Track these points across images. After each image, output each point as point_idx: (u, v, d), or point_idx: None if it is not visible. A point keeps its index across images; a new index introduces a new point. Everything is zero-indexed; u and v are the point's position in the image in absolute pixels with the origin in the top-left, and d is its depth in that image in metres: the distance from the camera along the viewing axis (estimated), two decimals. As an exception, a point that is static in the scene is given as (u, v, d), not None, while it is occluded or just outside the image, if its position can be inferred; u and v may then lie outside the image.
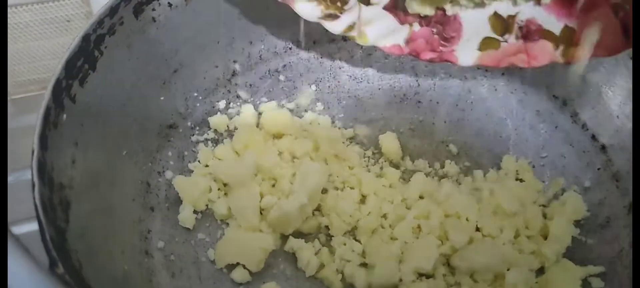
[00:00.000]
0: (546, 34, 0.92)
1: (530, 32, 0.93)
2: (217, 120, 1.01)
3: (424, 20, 0.94)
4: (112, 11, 0.86)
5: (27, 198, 0.81)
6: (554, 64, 1.01)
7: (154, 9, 0.93)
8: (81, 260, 0.69)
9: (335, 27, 0.95)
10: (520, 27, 0.93)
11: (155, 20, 0.93)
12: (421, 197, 0.92)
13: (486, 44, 0.95)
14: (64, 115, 0.77)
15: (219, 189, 0.93)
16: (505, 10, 0.93)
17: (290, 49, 1.10)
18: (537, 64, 0.94)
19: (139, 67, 0.92)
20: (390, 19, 0.96)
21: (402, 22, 0.95)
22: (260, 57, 1.08)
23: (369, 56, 1.12)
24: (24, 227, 0.96)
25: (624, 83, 0.95)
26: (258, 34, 1.07)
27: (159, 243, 0.88)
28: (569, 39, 0.91)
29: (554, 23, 0.92)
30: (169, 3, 0.94)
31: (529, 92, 1.06)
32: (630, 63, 0.94)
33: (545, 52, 0.93)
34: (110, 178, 0.85)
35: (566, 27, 0.91)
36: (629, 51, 0.93)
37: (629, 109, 0.94)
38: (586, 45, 0.89)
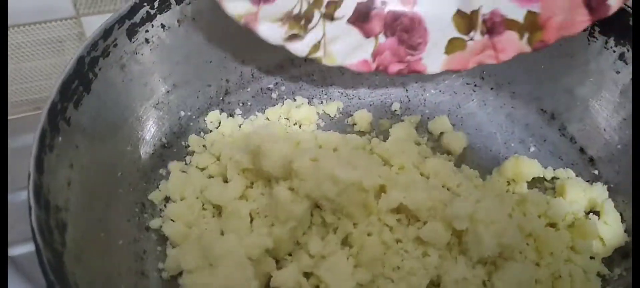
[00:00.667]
0: (510, 24, 0.92)
1: (495, 25, 0.93)
2: (211, 138, 1.01)
3: (389, 28, 0.95)
4: (106, 33, 0.87)
5: (22, 220, 0.82)
6: (540, 79, 1.04)
7: (147, 31, 0.94)
8: (78, 283, 0.70)
9: (300, 49, 0.95)
10: (485, 21, 0.93)
11: (149, 41, 0.94)
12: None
13: (453, 45, 0.95)
14: (60, 138, 0.77)
15: (212, 215, 0.93)
16: (467, 6, 0.94)
17: (281, 67, 1.11)
18: (505, 58, 0.94)
19: (132, 88, 0.93)
20: (355, 33, 0.96)
21: (367, 35, 0.96)
22: (252, 75, 1.10)
23: (360, 73, 1.14)
24: (20, 249, 0.97)
25: (611, 96, 0.97)
26: (250, 53, 1.09)
27: (158, 263, 0.88)
28: (533, 24, 0.91)
29: (517, 10, 0.92)
30: (162, 24, 0.95)
31: (517, 106, 1.07)
32: (616, 76, 0.96)
33: (511, 44, 0.93)
34: (106, 199, 0.85)
35: (529, 12, 0.91)
36: (614, 63, 0.95)
37: (616, 121, 0.96)
38: (551, 26, 0.88)
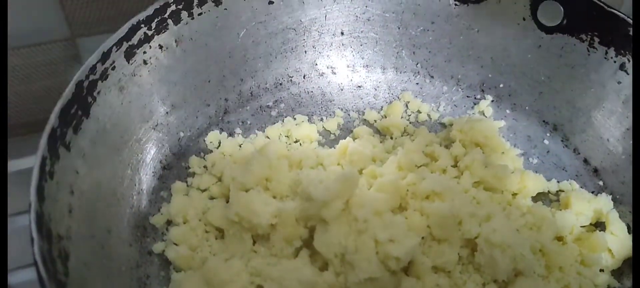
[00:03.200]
0: None
1: None
2: (211, 159, 1.00)
3: None
4: (104, 56, 0.86)
5: (19, 246, 0.80)
6: (541, 91, 1.04)
7: (145, 52, 0.93)
8: (80, 312, 0.68)
9: None
10: None
11: (147, 62, 0.93)
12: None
13: None
14: (60, 164, 0.76)
15: (215, 237, 0.92)
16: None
17: (281, 84, 1.11)
18: None
19: (131, 110, 0.92)
20: None
21: None
22: (251, 93, 1.09)
23: (359, 88, 1.13)
24: (18, 276, 0.95)
25: (613, 107, 0.97)
26: (248, 71, 1.08)
27: (160, 288, 0.87)
28: None
29: None
30: (159, 45, 0.94)
31: (519, 118, 1.07)
32: (617, 86, 0.96)
33: None
34: (107, 224, 0.84)
35: None
36: (615, 73, 0.95)
37: (619, 132, 0.96)
38: None
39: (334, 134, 1.08)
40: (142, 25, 0.91)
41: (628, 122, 0.94)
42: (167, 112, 0.98)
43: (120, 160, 0.89)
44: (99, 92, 0.85)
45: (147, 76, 0.94)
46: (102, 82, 0.86)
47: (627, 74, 0.94)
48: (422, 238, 0.86)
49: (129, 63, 0.90)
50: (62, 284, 0.67)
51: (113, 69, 0.88)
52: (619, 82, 0.95)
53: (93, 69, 0.84)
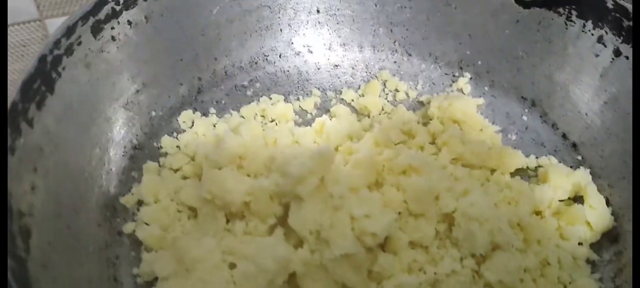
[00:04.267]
0: None
1: None
2: (184, 139, 0.98)
3: None
4: (69, 31, 0.83)
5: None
6: (519, 66, 1.03)
7: (113, 28, 0.90)
8: (43, 289, 0.66)
9: None
10: None
11: (115, 39, 0.91)
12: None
13: None
14: (22, 140, 0.73)
15: (188, 217, 0.90)
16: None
17: (256, 63, 1.08)
18: None
19: (99, 87, 0.89)
20: None
21: None
22: (225, 72, 1.06)
23: (336, 67, 1.11)
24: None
25: (591, 80, 0.95)
26: (222, 50, 1.05)
27: (132, 269, 0.84)
28: None
29: None
30: (128, 21, 0.92)
31: (497, 95, 1.06)
32: (595, 60, 0.95)
33: None
34: (74, 204, 0.81)
35: None
36: (593, 46, 0.94)
37: (597, 105, 0.95)
38: None
39: (311, 113, 1.06)
40: (110, 0, 0.89)
41: (606, 96, 0.93)
42: (137, 91, 0.95)
43: (88, 139, 0.87)
44: (64, 68, 0.82)
45: (115, 53, 0.91)
46: (67, 57, 0.83)
47: (605, 46, 0.93)
48: (399, 213, 0.84)
49: (95, 39, 0.87)
50: (22, 260, 0.64)
51: (79, 44, 0.85)
52: (597, 55, 0.94)
53: (57, 43, 0.81)
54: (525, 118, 1.03)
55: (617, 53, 0.91)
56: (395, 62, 1.11)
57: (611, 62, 0.92)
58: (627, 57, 0.90)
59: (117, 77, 0.92)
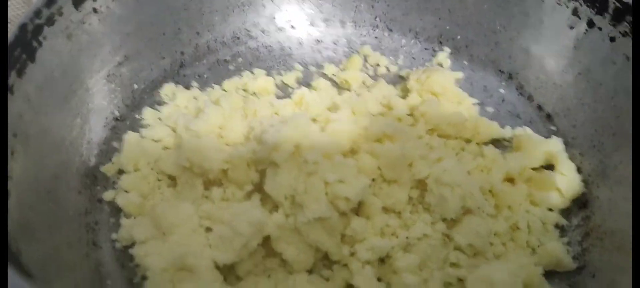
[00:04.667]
0: None
1: None
2: (166, 111, 0.99)
3: None
4: (50, 1, 0.85)
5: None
6: (497, 40, 1.04)
7: (95, 0, 0.91)
8: (22, 251, 0.67)
9: None
10: None
11: (97, 11, 0.92)
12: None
13: None
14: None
15: (167, 185, 0.91)
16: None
17: (238, 38, 1.10)
18: None
19: (81, 58, 0.91)
20: None
21: None
22: (208, 47, 1.08)
23: (319, 43, 1.13)
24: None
25: (566, 52, 0.97)
26: (205, 25, 1.07)
27: (112, 234, 0.86)
28: None
29: None
30: (110, -6, 0.93)
31: (475, 68, 1.07)
32: (569, 31, 0.96)
33: None
34: (54, 170, 0.83)
35: None
36: (568, 18, 0.95)
37: (571, 76, 0.96)
38: None
39: (292, 87, 1.08)
40: (91, -27, 0.90)
41: (579, 67, 0.95)
42: (119, 63, 0.97)
43: (69, 109, 0.88)
44: (45, 38, 0.84)
45: (97, 25, 0.93)
46: (48, 27, 0.84)
47: (579, 18, 0.94)
48: (373, 180, 0.86)
49: (77, 10, 0.89)
50: (-2, 217, 0.66)
51: (60, 14, 0.86)
52: (571, 27, 0.95)
53: (38, 12, 0.83)
54: (502, 91, 1.04)
55: (590, 24, 0.93)
56: (376, 37, 1.13)
57: (585, 33, 0.93)
58: (600, 28, 0.91)
59: (99, 49, 0.93)
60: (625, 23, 0.87)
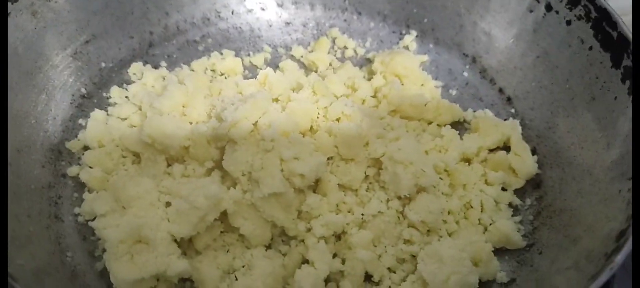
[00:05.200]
0: None
1: None
2: (133, 90, 1.01)
3: None
4: (13, -22, 0.86)
5: None
6: (462, 23, 1.06)
7: (60, -23, 0.93)
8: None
9: None
10: None
11: (63, -11, 0.94)
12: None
13: None
14: (-39, 79, 0.76)
15: (132, 162, 0.93)
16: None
17: (208, 19, 1.11)
18: None
19: (47, 35, 0.92)
20: None
21: None
22: (177, 28, 1.09)
23: (288, 25, 1.14)
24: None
25: (525, 35, 0.98)
26: (174, 5, 1.08)
27: (74, 209, 0.88)
28: None
29: None
30: (76, -29, 0.95)
31: (441, 52, 1.09)
32: (529, 15, 0.97)
33: None
34: (17, 144, 0.85)
35: None
36: (528, 2, 0.97)
37: (530, 60, 0.98)
38: None
39: (261, 69, 1.09)
40: (57, -51, 0.92)
41: (538, 50, 0.96)
42: (86, 41, 0.98)
43: (33, 85, 0.90)
44: (9, 14, 0.85)
45: (63, 2, 0.94)
46: (12, 3, 0.86)
47: (538, 2, 0.95)
48: (330, 158, 0.88)
49: (42, -13, 0.90)
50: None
51: (24, -9, 0.88)
52: (531, 11, 0.96)
53: (1, -11, 0.84)
54: (466, 74, 1.06)
55: (548, 8, 0.94)
56: (345, 20, 1.14)
57: (543, 17, 0.95)
58: (557, 12, 0.93)
59: (65, 27, 0.95)
60: (580, 7, 0.89)
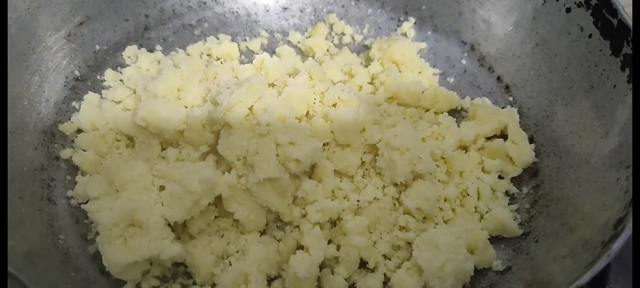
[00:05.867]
0: None
1: None
2: (128, 73, 1.00)
3: None
4: (6, -43, 0.85)
5: None
6: (460, 10, 1.05)
7: (53, -43, 0.91)
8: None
9: None
10: None
11: (56, -31, 0.92)
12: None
13: None
14: (-47, 58, 0.75)
15: (126, 145, 0.92)
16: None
17: (204, 3, 1.10)
18: None
19: (40, 16, 0.91)
20: None
21: None
22: (173, 11, 1.08)
23: (285, 10, 1.13)
24: None
25: (525, 23, 0.98)
26: (170, -12, 1.07)
27: (67, 191, 0.87)
28: None
29: None
30: (69, -49, 0.93)
31: (439, 39, 1.08)
32: (528, 3, 0.96)
33: None
34: (10, 126, 0.83)
35: None
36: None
37: (529, 47, 0.97)
38: None
39: (257, 53, 1.08)
40: None
41: (537, 38, 0.96)
42: (81, 23, 0.97)
43: (26, 66, 0.89)
44: (1, -7, 0.84)
45: (57, -17, 0.93)
46: (4, -17, 0.85)
47: (537, -11, 0.95)
48: (326, 144, 0.87)
49: (35, -33, 0.89)
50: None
51: (17, -29, 0.86)
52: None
53: (-7, -32, 0.83)
54: (464, 61, 1.05)
55: (548, -5, 0.93)
56: (343, 6, 1.13)
57: (543, 4, 0.94)
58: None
59: (59, 8, 0.93)
60: (581, -7, 0.88)
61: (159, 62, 1.03)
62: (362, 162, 0.87)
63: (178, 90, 0.92)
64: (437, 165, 0.88)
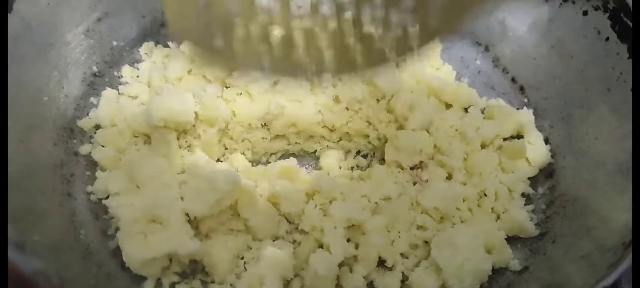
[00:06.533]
0: None
1: None
2: (144, 68, 1.00)
3: None
4: (27, -48, 0.85)
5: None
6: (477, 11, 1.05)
7: (73, -47, 0.91)
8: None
9: None
10: None
11: (76, -35, 0.92)
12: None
13: None
14: (-24, 53, 0.75)
15: (144, 141, 0.93)
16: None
17: (220, 0, 1.10)
18: None
19: (60, 11, 0.91)
20: None
21: None
22: (189, 8, 1.08)
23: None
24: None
25: (540, 25, 0.98)
26: (187, -15, 1.07)
27: (87, 187, 0.87)
28: None
29: None
30: (89, -53, 0.93)
31: (453, 39, 1.08)
32: (544, 4, 0.97)
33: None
34: (29, 121, 0.84)
35: None
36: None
37: (545, 49, 0.98)
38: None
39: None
40: None
41: (553, 40, 0.96)
42: (99, 19, 0.97)
43: (46, 61, 0.89)
44: (23, -12, 0.84)
45: (76, -21, 0.93)
46: (26, -22, 0.85)
47: (553, -9, 0.95)
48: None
49: (55, -38, 0.89)
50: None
51: (37, -34, 0.86)
52: (547, 0, 0.96)
53: (14, -37, 0.83)
54: (478, 62, 1.06)
55: (565, -2, 0.94)
56: (357, 5, 1.13)
57: (559, 6, 0.95)
58: (573, 2, 0.93)
59: (78, 3, 0.93)
60: (598, -3, 0.89)
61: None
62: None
63: (188, 72, 0.94)
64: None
